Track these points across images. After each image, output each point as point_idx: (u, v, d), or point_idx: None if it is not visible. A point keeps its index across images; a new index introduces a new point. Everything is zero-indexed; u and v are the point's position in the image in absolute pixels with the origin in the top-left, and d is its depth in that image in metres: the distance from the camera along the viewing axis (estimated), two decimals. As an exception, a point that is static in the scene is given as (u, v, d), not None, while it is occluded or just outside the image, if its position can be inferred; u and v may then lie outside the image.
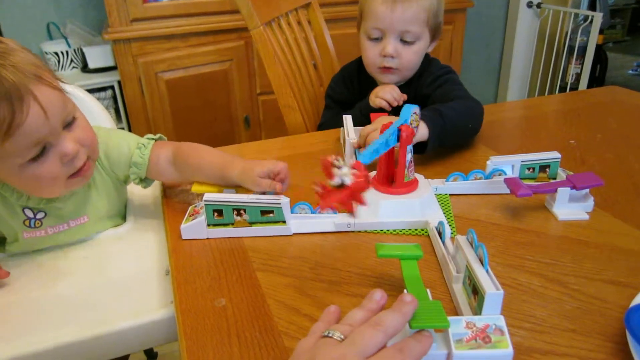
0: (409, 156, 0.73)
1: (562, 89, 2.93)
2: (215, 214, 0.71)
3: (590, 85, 2.84)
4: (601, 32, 2.73)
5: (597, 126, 1.13)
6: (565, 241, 0.70)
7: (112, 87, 2.02)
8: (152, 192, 0.91)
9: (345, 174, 0.57)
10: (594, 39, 2.60)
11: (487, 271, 0.55)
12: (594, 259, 0.65)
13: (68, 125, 0.68)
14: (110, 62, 2.02)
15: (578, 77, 2.85)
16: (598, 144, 1.03)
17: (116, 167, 0.81)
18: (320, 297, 0.59)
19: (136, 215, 0.86)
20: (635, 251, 0.67)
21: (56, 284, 0.70)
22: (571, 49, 2.83)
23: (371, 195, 0.75)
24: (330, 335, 0.43)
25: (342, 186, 0.58)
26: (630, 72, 4.05)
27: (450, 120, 0.91)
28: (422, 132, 0.86)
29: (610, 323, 0.54)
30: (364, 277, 0.63)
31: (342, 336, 0.43)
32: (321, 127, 1.20)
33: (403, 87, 1.11)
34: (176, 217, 0.76)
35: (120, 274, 0.72)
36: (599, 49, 2.80)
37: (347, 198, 0.58)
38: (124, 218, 0.87)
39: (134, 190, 0.90)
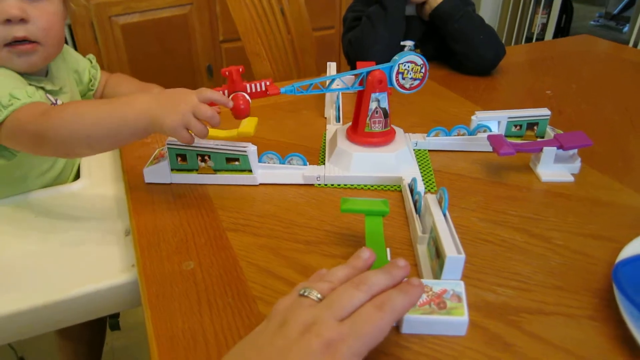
0: (374, 105, 0.68)
1: (529, 40, 2.91)
2: (179, 158, 0.68)
3: (556, 35, 2.83)
4: (567, -20, 2.70)
5: (572, 76, 1.11)
6: (547, 195, 0.67)
7: (61, 33, 1.88)
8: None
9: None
10: (561, -13, 2.57)
11: (444, 215, 0.53)
12: (576, 213, 0.64)
13: None
14: (58, 5, 1.86)
15: (544, 27, 2.83)
16: (574, 94, 1.01)
17: (80, 73, 0.88)
18: (296, 259, 0.56)
19: (91, 172, 0.79)
20: (616, 204, 0.66)
21: (3, 246, 0.65)
22: (538, -2, 2.79)
23: (343, 146, 0.70)
24: (306, 294, 0.40)
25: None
26: (593, 22, 4.05)
27: (469, 11, 1.05)
28: None
29: (596, 279, 0.53)
30: (342, 236, 0.59)
31: (319, 295, 0.40)
32: (352, 44, 1.10)
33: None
34: (135, 170, 0.71)
35: (74, 235, 0.66)
36: (565, -2, 2.77)
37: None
38: None
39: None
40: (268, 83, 0.66)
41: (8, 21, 0.66)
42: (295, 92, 0.67)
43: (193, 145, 0.66)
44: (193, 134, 0.59)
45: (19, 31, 0.68)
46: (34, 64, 0.72)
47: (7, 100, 0.61)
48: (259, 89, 0.66)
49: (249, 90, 0.65)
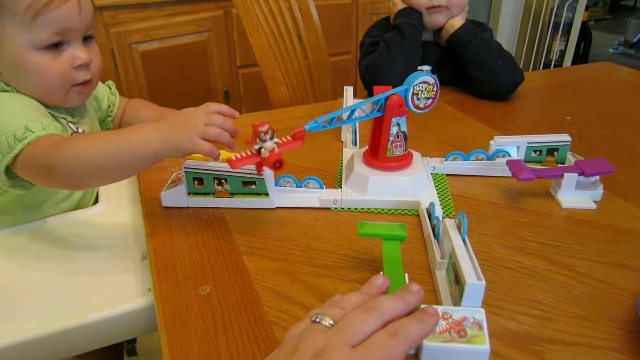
0: (395, 129, 0.68)
1: (546, 66, 2.91)
2: (196, 182, 0.68)
3: (574, 62, 2.82)
4: (586, 8, 2.70)
5: (592, 102, 1.10)
6: (568, 222, 0.66)
7: (84, 59, 1.92)
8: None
9: (265, 147, 0.61)
10: (579, 15, 2.57)
11: (464, 240, 0.52)
12: (599, 240, 0.62)
13: (86, 39, 0.72)
14: (81, 32, 1.91)
15: (562, 54, 2.83)
16: (595, 121, 0.99)
17: (99, 100, 0.88)
18: (313, 283, 0.55)
19: (109, 196, 0.80)
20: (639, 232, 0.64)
21: (21, 271, 0.65)
22: (556, 25, 2.80)
23: (360, 170, 0.70)
24: (318, 320, 0.39)
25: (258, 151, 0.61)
26: (612, 50, 4.05)
27: (486, 37, 1.05)
28: (455, 22, 1.05)
29: (620, 309, 0.51)
30: (359, 260, 0.59)
31: (331, 322, 0.39)
32: (369, 69, 1.09)
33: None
34: (153, 193, 0.72)
35: (91, 259, 0.67)
36: (584, 26, 2.77)
37: (258, 165, 0.64)
38: None
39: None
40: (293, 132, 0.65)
41: (80, 66, 0.71)
42: (320, 128, 0.66)
43: (210, 168, 0.66)
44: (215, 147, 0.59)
45: (87, 74, 0.73)
46: (85, 99, 0.77)
47: (21, 133, 0.62)
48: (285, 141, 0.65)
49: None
